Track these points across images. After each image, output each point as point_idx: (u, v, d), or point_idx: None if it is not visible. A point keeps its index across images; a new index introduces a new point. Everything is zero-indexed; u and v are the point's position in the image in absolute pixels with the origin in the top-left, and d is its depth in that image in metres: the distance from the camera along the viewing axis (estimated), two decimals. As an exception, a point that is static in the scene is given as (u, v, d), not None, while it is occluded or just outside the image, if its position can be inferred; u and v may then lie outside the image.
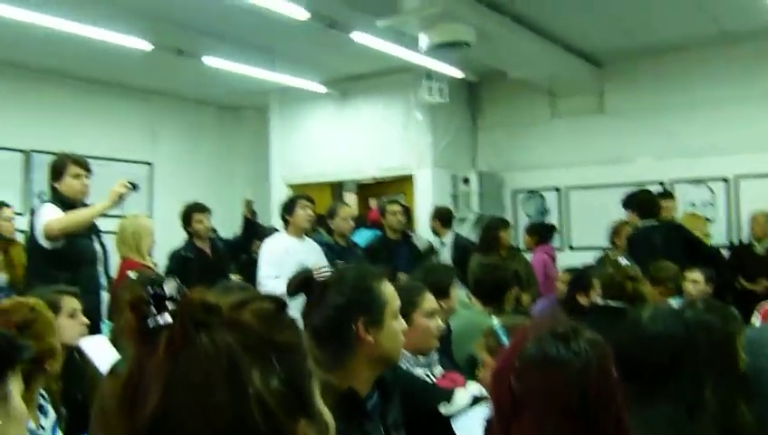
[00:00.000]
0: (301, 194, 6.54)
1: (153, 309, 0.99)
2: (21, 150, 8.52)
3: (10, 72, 8.46)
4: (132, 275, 4.29)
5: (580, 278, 5.07)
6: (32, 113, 8.65)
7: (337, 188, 10.06)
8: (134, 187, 4.87)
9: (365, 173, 9.51)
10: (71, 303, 3.39)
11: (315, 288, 2.17)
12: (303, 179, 9.72)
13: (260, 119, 10.48)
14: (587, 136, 9.10)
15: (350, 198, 9.98)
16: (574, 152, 9.15)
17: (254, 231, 7.37)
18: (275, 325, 1.02)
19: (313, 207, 6.38)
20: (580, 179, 9.11)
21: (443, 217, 8.05)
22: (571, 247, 9.14)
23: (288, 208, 6.29)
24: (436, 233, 8.06)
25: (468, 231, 8.98)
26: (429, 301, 3.17)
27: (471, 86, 9.71)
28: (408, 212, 7.94)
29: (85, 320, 3.44)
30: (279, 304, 1.06)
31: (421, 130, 9.08)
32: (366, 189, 10.14)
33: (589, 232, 8.85)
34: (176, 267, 6.41)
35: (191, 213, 6.61)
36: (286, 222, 6.31)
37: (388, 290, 2.25)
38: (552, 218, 9.31)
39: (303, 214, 6.23)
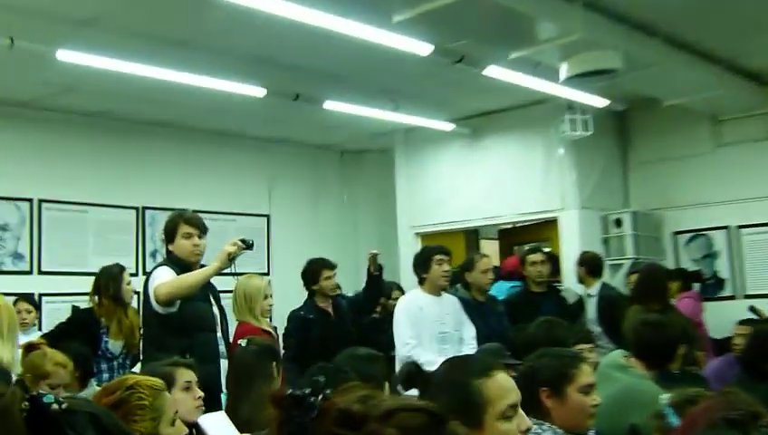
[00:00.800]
0: (436, 246, 6.55)
1: (295, 411, 1.03)
2: (134, 207, 8.89)
3: (122, 127, 8.83)
4: (242, 342, 4.34)
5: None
6: (144, 168, 9.00)
7: (472, 236, 10.03)
8: (247, 245, 4.93)
9: (502, 218, 9.45)
10: (185, 375, 3.44)
11: (422, 382, 2.26)
12: (434, 227, 9.75)
13: (384, 162, 10.64)
14: (758, 166, 8.77)
15: (490, 247, 9.91)
16: (744, 185, 8.82)
17: (379, 288, 7.40)
18: None
19: (450, 260, 6.39)
20: (754, 216, 8.79)
21: (590, 264, 7.89)
22: (747, 295, 8.76)
23: (423, 264, 6.32)
24: (582, 282, 7.92)
25: (620, 280, 8.78)
26: (586, 374, 3.15)
27: (620, 116, 9.55)
28: (553, 260, 7.83)
29: (200, 392, 3.49)
30: (434, 417, 1.03)
31: (565, 168, 8.99)
32: (506, 236, 10.07)
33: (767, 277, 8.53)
34: (295, 330, 6.53)
35: (321, 269, 6.69)
36: (421, 279, 6.34)
37: (493, 387, 2.25)
38: (722, 262, 9.00)
39: (440, 270, 6.25)
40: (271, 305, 6.02)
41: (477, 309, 6.62)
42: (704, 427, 1.61)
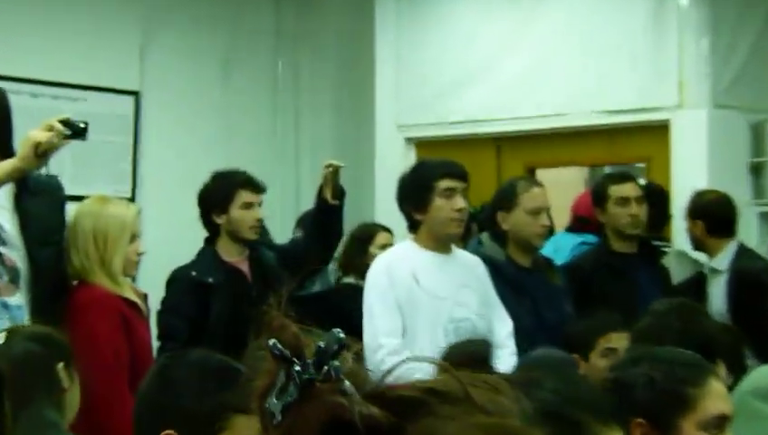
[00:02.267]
0: (442, 163, 6.64)
1: (280, 379, 1.18)
2: None
3: None
4: None
5: None
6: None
7: (507, 147, 9.95)
8: (75, 131, 5.23)
9: (568, 118, 9.35)
10: None
11: None
12: (440, 129, 9.85)
13: (355, 8, 10.69)
14: None
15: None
16: None
17: (335, 229, 7.42)
18: None
19: (468, 189, 6.36)
20: None
21: (712, 216, 7.85)
22: None
23: (418, 196, 6.33)
24: (699, 246, 7.99)
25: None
26: (717, 399, 3.32)
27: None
28: (657, 198, 7.95)
29: None
30: None
31: (688, 37, 8.89)
32: (549, 145, 9.94)
33: None
34: (182, 303, 6.61)
35: (234, 189, 6.74)
36: (414, 222, 6.35)
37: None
38: None
39: (448, 207, 6.23)
40: (140, 255, 6.11)
41: (518, 282, 6.74)
42: None
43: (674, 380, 3.29)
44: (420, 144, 9.83)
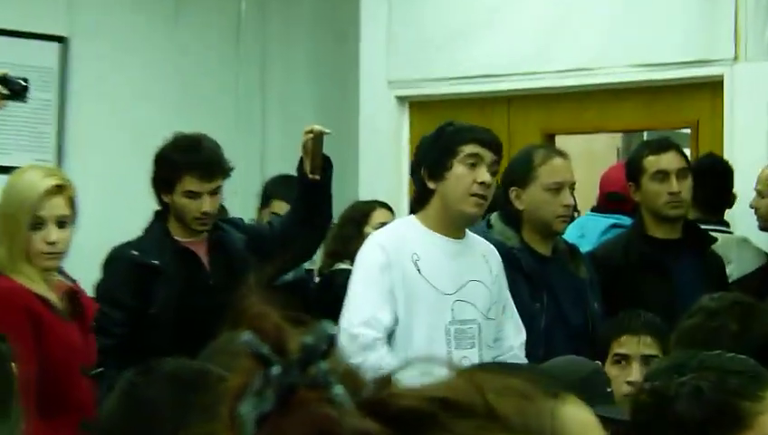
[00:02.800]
0: (474, 126, 6.67)
1: (257, 381, 1.18)
2: None
3: None
4: None
5: None
6: None
7: (520, 107, 9.98)
8: (14, 90, 5.31)
9: (596, 74, 9.41)
10: None
11: None
12: (440, 87, 9.94)
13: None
14: None
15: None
16: None
17: (321, 207, 7.35)
18: None
19: (496, 162, 6.40)
20: None
21: None
22: None
23: (437, 159, 6.34)
24: (766, 225, 8.09)
25: None
26: None
27: None
28: (715, 172, 8.11)
29: None
30: None
31: None
32: (573, 107, 9.95)
33: None
34: (120, 289, 6.63)
35: (179, 172, 6.67)
36: (425, 194, 6.34)
37: None
38: None
39: (468, 177, 6.25)
40: (53, 244, 6.02)
41: (535, 273, 6.79)
42: None
43: (725, 391, 3.24)
44: (414, 104, 9.93)
